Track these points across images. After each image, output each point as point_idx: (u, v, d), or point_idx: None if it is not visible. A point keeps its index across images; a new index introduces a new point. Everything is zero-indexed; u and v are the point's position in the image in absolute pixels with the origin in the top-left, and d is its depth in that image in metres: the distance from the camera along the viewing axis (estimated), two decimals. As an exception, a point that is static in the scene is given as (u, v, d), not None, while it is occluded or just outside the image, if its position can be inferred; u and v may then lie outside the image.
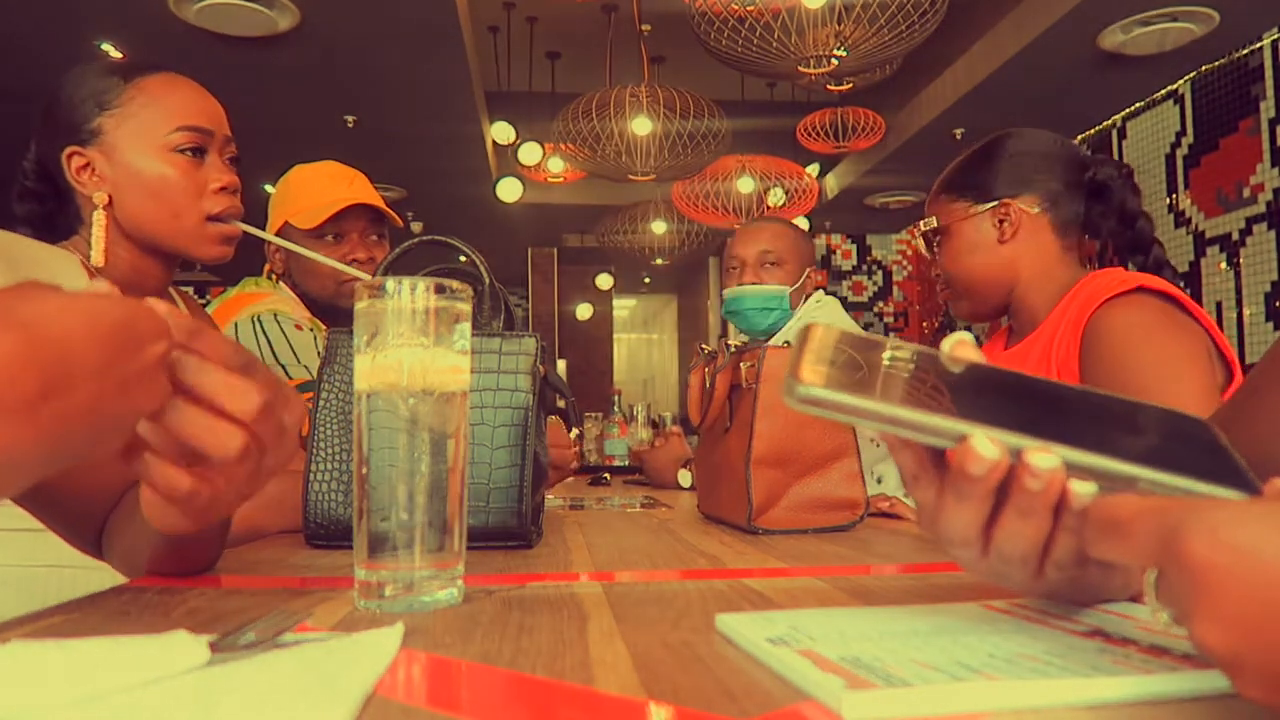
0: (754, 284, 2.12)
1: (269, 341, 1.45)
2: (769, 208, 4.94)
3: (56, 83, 1.14)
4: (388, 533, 0.55)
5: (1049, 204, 1.33)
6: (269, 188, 1.75)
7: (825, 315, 2.11)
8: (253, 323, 1.46)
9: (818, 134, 4.67)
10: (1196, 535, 0.31)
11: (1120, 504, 0.35)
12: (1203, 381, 1.12)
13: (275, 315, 1.48)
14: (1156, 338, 1.14)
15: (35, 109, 1.16)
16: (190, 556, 0.69)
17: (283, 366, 1.43)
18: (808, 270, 2.17)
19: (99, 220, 1.09)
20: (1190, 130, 4.54)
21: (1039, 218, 1.33)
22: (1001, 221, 1.33)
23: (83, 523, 0.80)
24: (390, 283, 0.56)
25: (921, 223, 1.43)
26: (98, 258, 1.09)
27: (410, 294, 0.56)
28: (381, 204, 1.65)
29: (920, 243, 1.45)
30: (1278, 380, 0.68)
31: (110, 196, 1.09)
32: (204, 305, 1.39)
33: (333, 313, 1.63)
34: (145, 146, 1.10)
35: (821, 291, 2.28)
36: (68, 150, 1.10)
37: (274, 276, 1.65)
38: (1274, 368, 0.69)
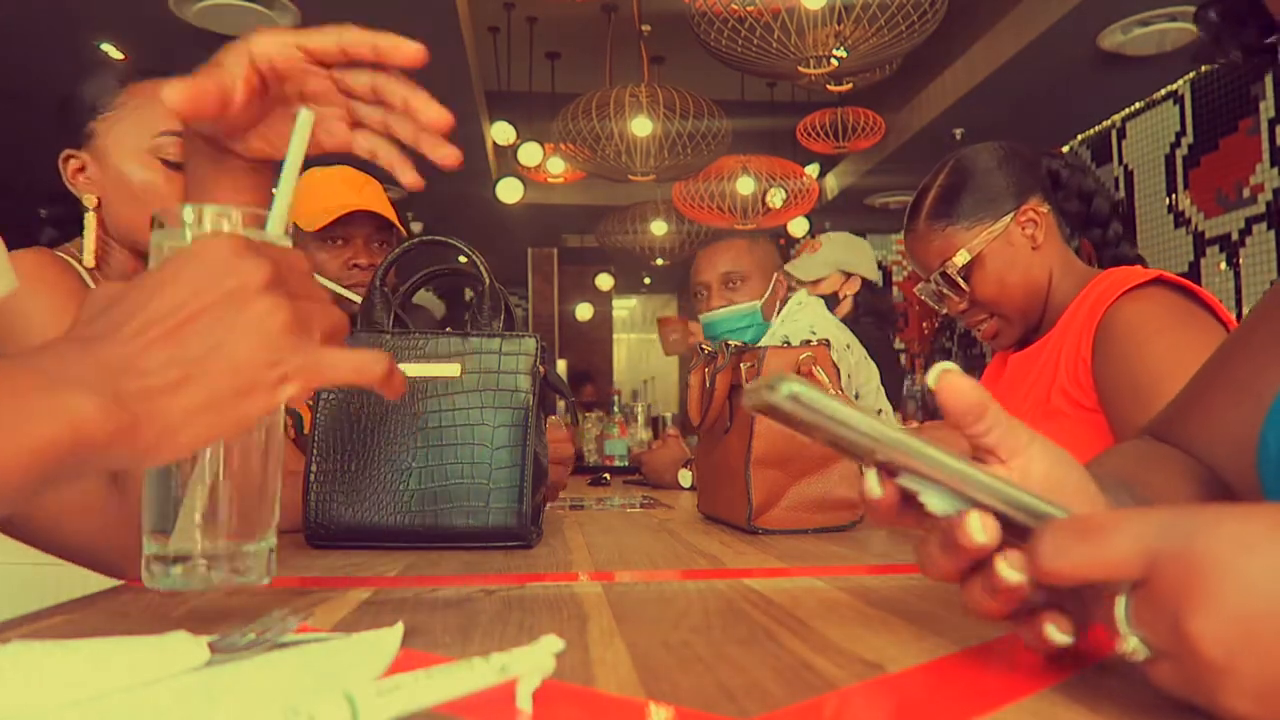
0: (722, 306, 2.17)
1: None
2: (769, 208, 4.94)
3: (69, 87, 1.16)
4: (178, 505, 0.49)
5: (1048, 199, 1.32)
6: (269, 188, 1.74)
7: (807, 315, 2.11)
8: None
9: (818, 134, 4.67)
10: (1201, 529, 0.30)
11: (1095, 513, 0.34)
12: None
13: None
14: (1170, 331, 1.12)
15: (35, 109, 1.18)
16: None
17: None
18: (775, 276, 2.19)
19: (90, 223, 1.13)
20: (1190, 130, 4.54)
21: (1049, 215, 1.31)
22: (1025, 228, 1.29)
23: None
24: (189, 210, 0.49)
25: (944, 267, 1.29)
26: (89, 259, 1.12)
27: (214, 224, 0.49)
28: (390, 214, 1.65)
29: (935, 289, 1.32)
30: (1218, 384, 0.68)
31: (99, 199, 1.12)
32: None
33: None
34: (129, 151, 1.12)
35: (805, 291, 2.29)
36: (65, 153, 1.13)
37: None
38: (1216, 371, 0.69)
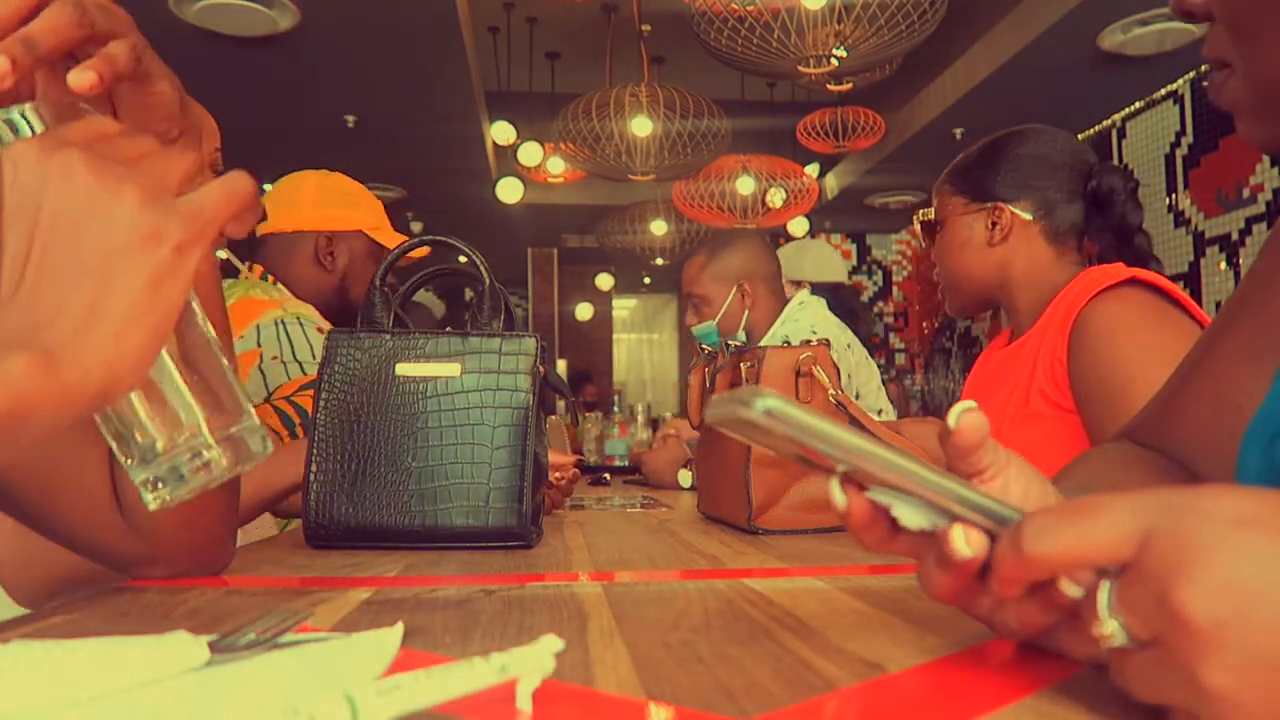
0: (693, 324, 2.26)
1: (290, 342, 1.50)
2: (769, 208, 4.94)
3: None
4: (132, 421, 0.44)
5: (1043, 212, 1.32)
6: (270, 188, 1.76)
7: (809, 315, 2.11)
8: (276, 325, 1.51)
9: (818, 134, 4.67)
10: (1196, 506, 0.30)
11: (1081, 498, 0.34)
12: None
13: (299, 318, 1.54)
14: (1140, 331, 1.12)
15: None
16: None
17: (300, 364, 1.49)
18: (735, 286, 2.17)
19: None
20: (1190, 130, 4.54)
21: (1031, 225, 1.32)
22: (993, 224, 1.32)
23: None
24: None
25: (922, 211, 1.44)
26: None
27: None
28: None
29: (918, 228, 1.47)
30: (1197, 392, 0.67)
31: None
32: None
33: (341, 316, 1.66)
34: None
35: (806, 290, 2.28)
36: None
37: (270, 277, 1.67)
38: (1193, 375, 0.69)
